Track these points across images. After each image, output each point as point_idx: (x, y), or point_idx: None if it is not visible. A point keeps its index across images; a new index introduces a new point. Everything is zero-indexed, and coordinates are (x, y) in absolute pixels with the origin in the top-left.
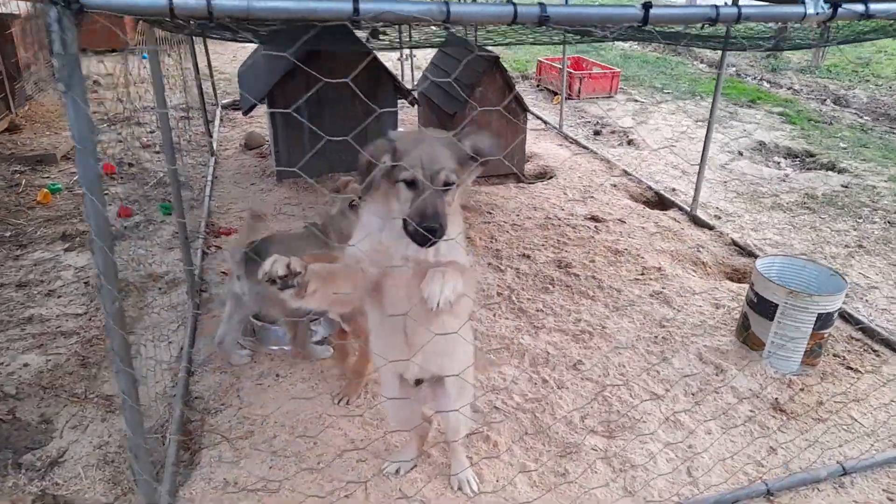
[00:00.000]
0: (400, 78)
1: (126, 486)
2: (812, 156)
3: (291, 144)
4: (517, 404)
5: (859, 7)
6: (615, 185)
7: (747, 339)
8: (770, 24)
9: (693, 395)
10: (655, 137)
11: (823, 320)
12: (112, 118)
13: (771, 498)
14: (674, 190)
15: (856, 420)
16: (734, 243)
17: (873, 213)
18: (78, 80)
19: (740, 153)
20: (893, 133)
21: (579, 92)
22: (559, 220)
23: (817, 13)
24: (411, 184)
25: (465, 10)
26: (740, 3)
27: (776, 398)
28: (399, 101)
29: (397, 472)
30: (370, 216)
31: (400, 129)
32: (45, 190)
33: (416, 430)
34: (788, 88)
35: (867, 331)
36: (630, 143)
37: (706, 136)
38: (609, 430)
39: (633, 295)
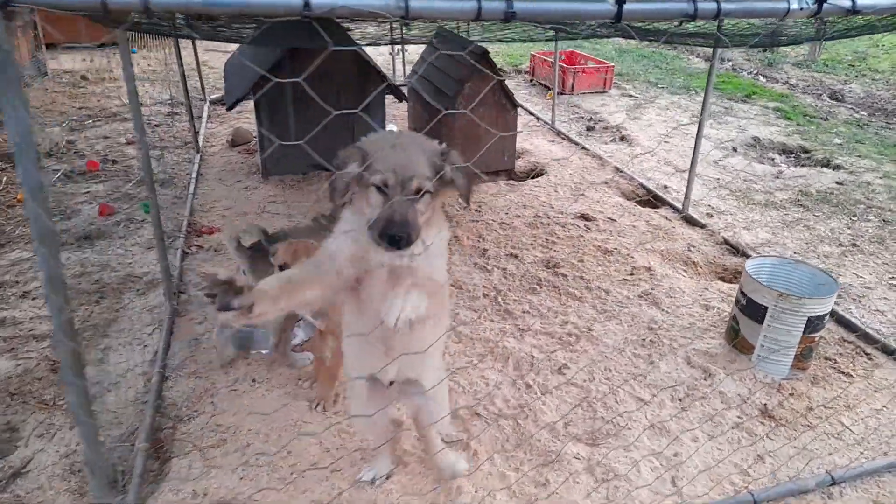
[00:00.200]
0: (392, 72)
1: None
2: (807, 152)
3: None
4: (499, 411)
5: (846, 2)
6: (606, 183)
7: (736, 342)
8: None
9: (680, 400)
10: (649, 133)
11: (814, 324)
12: (97, 114)
13: None
14: (666, 187)
15: (846, 427)
16: (726, 242)
17: (868, 210)
18: (13, 78)
19: (734, 149)
20: (889, 128)
21: (573, 87)
22: (549, 218)
23: (801, 8)
24: (381, 189)
25: (424, 5)
26: None
27: (765, 404)
28: (389, 95)
29: (373, 481)
30: (350, 216)
31: (383, 130)
32: None
33: (385, 436)
34: (784, 83)
35: (860, 333)
36: (623, 139)
37: (697, 133)
38: (593, 437)
39: (622, 296)
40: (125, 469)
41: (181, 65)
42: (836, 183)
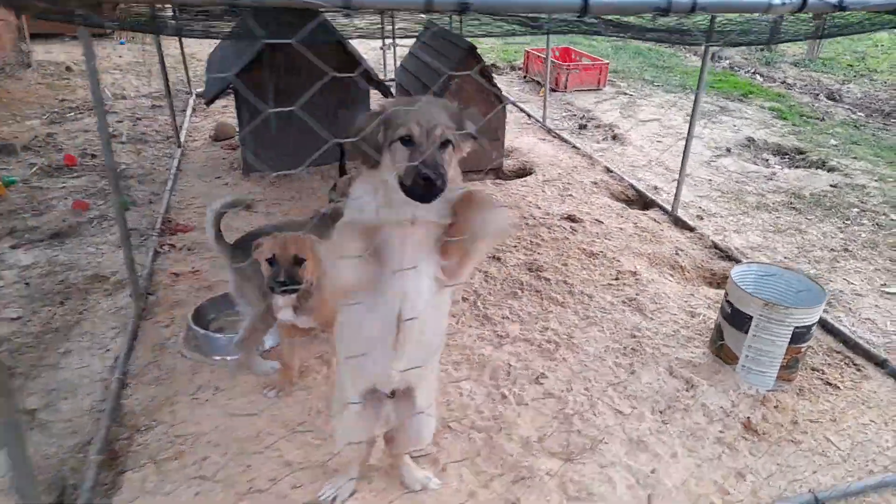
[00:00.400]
0: (383, 68)
1: None
2: (802, 153)
3: (258, 136)
4: (472, 422)
5: None
6: (596, 183)
7: (721, 351)
8: (748, 16)
9: (661, 412)
10: (642, 133)
11: (800, 334)
12: (80, 106)
13: None
14: (656, 188)
15: (831, 442)
16: (715, 246)
17: (861, 214)
18: None
19: (728, 150)
20: (887, 130)
21: (566, 84)
22: (535, 219)
23: (784, 3)
24: (408, 142)
25: None
26: None
27: (748, 417)
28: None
29: (334, 500)
30: (361, 189)
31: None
32: None
33: (360, 448)
34: (782, 82)
35: (850, 344)
36: (615, 138)
37: (688, 133)
38: (567, 452)
39: (605, 301)
40: (76, 482)
41: (161, 57)
42: (831, 185)
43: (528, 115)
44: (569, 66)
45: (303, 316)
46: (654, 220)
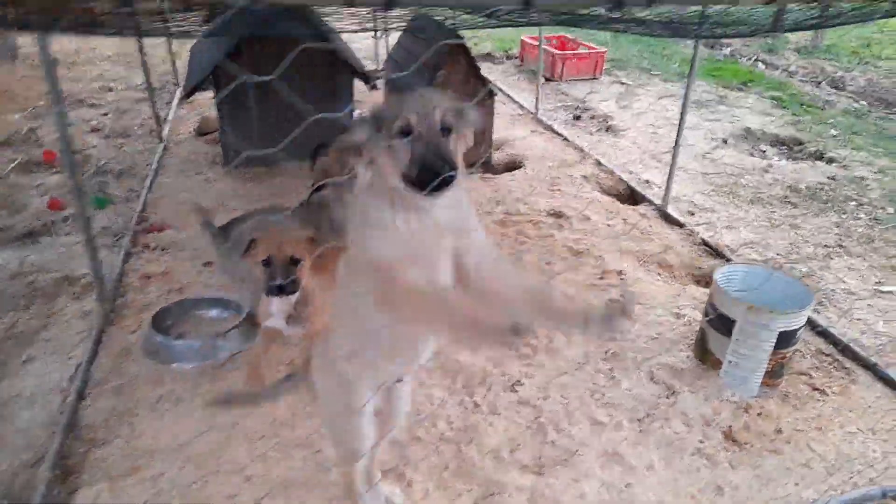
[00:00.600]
0: (376, 59)
1: None
2: (800, 144)
3: (239, 130)
4: (441, 434)
5: None
6: (586, 177)
7: (705, 356)
8: (717, 7)
9: (639, 421)
10: (637, 123)
11: (786, 339)
12: (65, 100)
13: None
14: (648, 182)
15: (815, 453)
16: (704, 243)
17: (858, 208)
18: None
19: (724, 141)
20: (890, 119)
21: (562, 73)
22: (520, 215)
23: None
24: (407, 133)
25: None
26: None
27: (730, 426)
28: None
29: None
30: (372, 203)
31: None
32: None
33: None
34: (784, 70)
35: (839, 345)
36: (609, 129)
37: (679, 128)
38: (539, 465)
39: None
40: (27, 500)
41: (141, 48)
42: (828, 178)
43: (521, 107)
44: (565, 54)
45: (296, 325)
46: (644, 215)
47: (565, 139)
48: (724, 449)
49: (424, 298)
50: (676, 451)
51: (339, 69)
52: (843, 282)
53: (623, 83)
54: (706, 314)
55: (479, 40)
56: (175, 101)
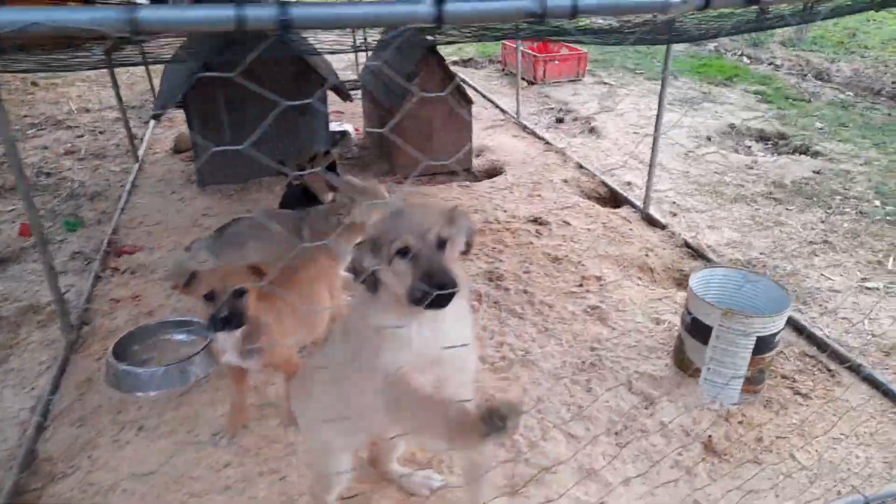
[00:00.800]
0: (356, 69)
1: None
2: (785, 138)
3: (212, 141)
4: (411, 455)
5: None
6: (567, 181)
7: (683, 364)
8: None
9: (616, 434)
10: (619, 125)
11: (765, 343)
12: (41, 122)
13: None
14: (629, 184)
15: (798, 461)
16: (686, 245)
17: (844, 202)
18: None
19: (708, 138)
20: (875, 109)
21: (544, 76)
22: (499, 223)
23: (685, 1)
24: (405, 253)
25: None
26: None
27: (709, 436)
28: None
29: None
30: (381, 314)
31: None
32: None
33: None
34: (769, 63)
35: (822, 346)
36: (591, 131)
37: (655, 127)
38: (512, 485)
39: (566, 311)
40: None
41: (112, 70)
42: (814, 172)
43: (503, 111)
44: (546, 57)
45: (250, 359)
46: (625, 218)
47: (547, 143)
48: (704, 460)
49: (433, 408)
50: (654, 463)
51: (311, 82)
52: (829, 279)
53: (606, 83)
54: (683, 321)
55: (462, 46)
56: (152, 120)
